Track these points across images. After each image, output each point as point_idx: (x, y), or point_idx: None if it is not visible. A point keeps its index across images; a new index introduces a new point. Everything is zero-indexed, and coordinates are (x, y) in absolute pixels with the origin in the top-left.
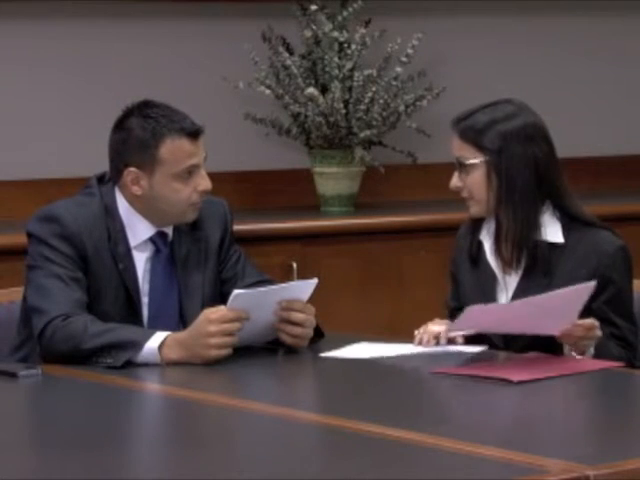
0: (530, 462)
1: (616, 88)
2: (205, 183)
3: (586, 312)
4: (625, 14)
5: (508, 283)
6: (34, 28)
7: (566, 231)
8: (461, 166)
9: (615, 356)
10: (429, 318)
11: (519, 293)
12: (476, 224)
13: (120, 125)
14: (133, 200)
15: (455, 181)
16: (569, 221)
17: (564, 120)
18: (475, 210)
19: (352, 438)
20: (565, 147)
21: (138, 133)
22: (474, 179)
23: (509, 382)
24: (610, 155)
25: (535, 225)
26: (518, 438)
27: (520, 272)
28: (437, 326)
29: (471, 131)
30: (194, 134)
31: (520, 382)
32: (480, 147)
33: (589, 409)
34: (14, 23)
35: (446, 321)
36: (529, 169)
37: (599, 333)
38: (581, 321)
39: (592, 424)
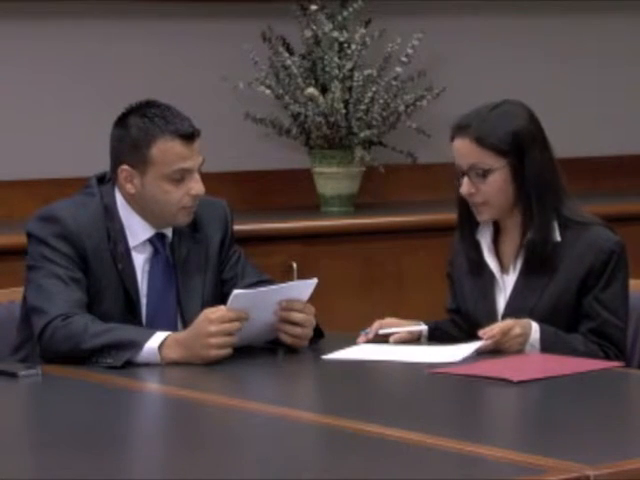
0: (530, 462)
1: (616, 88)
2: (198, 187)
3: (577, 306)
4: (625, 14)
5: (506, 282)
6: (34, 28)
7: (563, 229)
8: (476, 172)
9: (580, 352)
10: (428, 318)
11: (517, 292)
12: (471, 227)
13: (119, 122)
14: (128, 199)
15: (468, 188)
16: (566, 220)
17: (564, 120)
18: (488, 216)
19: (352, 438)
20: (565, 147)
21: (133, 132)
22: (493, 184)
23: (509, 382)
24: (610, 155)
25: (553, 225)
26: (518, 438)
27: (518, 271)
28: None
29: (488, 136)
30: (188, 137)
31: (520, 382)
32: (500, 151)
33: (589, 409)
34: (14, 23)
35: (392, 320)
36: (547, 170)
37: (518, 331)
38: (498, 325)
39: (592, 424)
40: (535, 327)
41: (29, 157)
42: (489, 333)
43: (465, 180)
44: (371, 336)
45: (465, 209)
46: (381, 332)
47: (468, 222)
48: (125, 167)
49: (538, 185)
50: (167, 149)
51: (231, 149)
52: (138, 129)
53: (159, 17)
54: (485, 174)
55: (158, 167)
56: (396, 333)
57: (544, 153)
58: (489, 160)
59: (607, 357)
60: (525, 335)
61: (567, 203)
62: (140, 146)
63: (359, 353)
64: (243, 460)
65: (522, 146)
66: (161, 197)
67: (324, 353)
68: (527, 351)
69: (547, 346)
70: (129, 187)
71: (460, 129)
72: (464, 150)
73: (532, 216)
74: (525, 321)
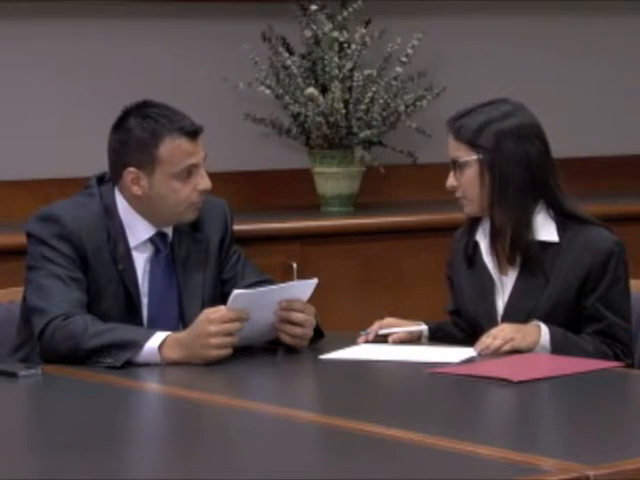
0: (530, 462)
1: (616, 88)
2: (204, 182)
3: (579, 308)
4: (625, 14)
5: (505, 284)
6: (34, 28)
7: (561, 230)
8: (455, 165)
9: (590, 352)
10: (429, 318)
11: (516, 294)
12: (472, 225)
13: (119, 125)
14: (133, 200)
15: (451, 180)
16: (563, 220)
17: (564, 120)
18: (469, 209)
19: (352, 438)
20: (565, 147)
21: (137, 133)
22: (467, 178)
23: (509, 382)
24: (610, 155)
25: (528, 225)
26: (518, 438)
27: (516, 272)
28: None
29: (465, 130)
30: (193, 133)
31: (520, 382)
32: (474, 146)
33: (589, 409)
34: (14, 23)
35: (392, 320)
36: (523, 168)
37: (513, 335)
38: (486, 334)
39: (592, 424)
40: (544, 329)
41: (29, 157)
42: (480, 346)
43: (450, 173)
44: (371, 337)
45: None
46: (381, 332)
47: (469, 222)
48: (132, 169)
49: (505, 182)
50: (174, 147)
51: (231, 149)
52: (142, 130)
53: (159, 17)
54: (461, 167)
55: (167, 166)
56: (395, 333)
57: (526, 152)
58: (463, 153)
59: (616, 356)
60: (521, 334)
61: (564, 204)
62: (147, 147)
63: (356, 353)
64: (243, 460)
65: (495, 143)
66: (170, 195)
67: (323, 353)
68: (537, 352)
69: (557, 347)
70: (135, 189)
71: (448, 122)
72: (449, 143)
73: (501, 213)
74: (533, 324)
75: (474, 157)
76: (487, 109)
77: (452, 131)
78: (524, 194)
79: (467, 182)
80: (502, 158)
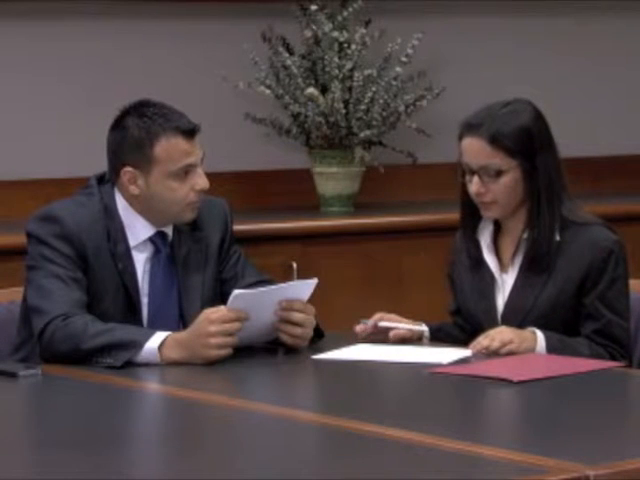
0: (530, 462)
1: (616, 88)
2: (202, 182)
3: (578, 307)
4: (626, 14)
5: (505, 281)
6: (34, 28)
7: (562, 229)
8: (488, 172)
9: (586, 355)
10: (429, 318)
11: (516, 291)
12: (472, 225)
13: (117, 125)
14: (131, 200)
15: (478, 187)
16: (565, 220)
17: (564, 120)
18: (496, 214)
19: (352, 438)
20: (565, 147)
21: (134, 132)
22: (505, 185)
23: (509, 382)
24: (610, 155)
25: (553, 225)
26: (518, 438)
27: (516, 270)
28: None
29: (501, 137)
30: (189, 133)
31: (520, 382)
32: (512, 152)
33: (589, 409)
34: (14, 23)
35: (393, 315)
36: (557, 172)
37: (511, 337)
38: (484, 335)
39: (592, 424)
40: (540, 336)
41: (29, 157)
42: (477, 347)
43: (475, 179)
44: (370, 326)
45: (468, 207)
46: (380, 324)
47: (471, 220)
48: (128, 169)
49: (548, 185)
50: (171, 146)
51: (231, 149)
52: (139, 129)
53: (159, 17)
54: (497, 174)
55: (163, 165)
56: (395, 328)
57: (552, 153)
58: (502, 161)
59: (613, 358)
60: (518, 339)
61: (568, 203)
62: (143, 146)
63: (349, 353)
64: (243, 460)
65: (534, 147)
66: (168, 195)
67: (322, 353)
68: (537, 353)
69: (553, 353)
70: (133, 188)
71: (472, 128)
72: (475, 150)
73: (538, 215)
74: (529, 330)
75: (514, 164)
76: (512, 112)
77: (484, 137)
78: (556, 195)
79: (505, 189)
80: (543, 163)
